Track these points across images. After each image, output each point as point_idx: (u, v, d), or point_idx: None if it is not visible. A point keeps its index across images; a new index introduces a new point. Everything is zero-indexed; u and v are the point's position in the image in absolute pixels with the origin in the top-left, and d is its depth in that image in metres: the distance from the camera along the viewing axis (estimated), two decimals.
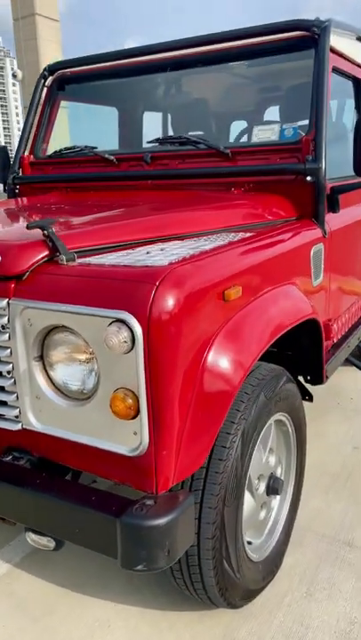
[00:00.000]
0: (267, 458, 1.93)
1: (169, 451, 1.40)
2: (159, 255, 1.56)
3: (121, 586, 2.05)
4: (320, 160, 2.30)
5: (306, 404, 3.60)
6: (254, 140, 2.57)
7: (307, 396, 2.46)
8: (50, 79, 3.23)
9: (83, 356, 1.46)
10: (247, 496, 1.83)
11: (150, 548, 1.33)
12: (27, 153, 3.19)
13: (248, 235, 1.97)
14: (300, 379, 2.42)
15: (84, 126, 3.78)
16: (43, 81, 3.22)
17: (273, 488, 1.93)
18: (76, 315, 1.38)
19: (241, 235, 1.97)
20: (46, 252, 1.52)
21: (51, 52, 9.73)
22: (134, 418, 1.37)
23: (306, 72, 2.48)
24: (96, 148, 3.02)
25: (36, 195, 3.00)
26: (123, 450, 1.40)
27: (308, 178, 2.31)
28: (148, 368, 1.32)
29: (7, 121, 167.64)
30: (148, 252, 1.60)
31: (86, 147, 3.00)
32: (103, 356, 1.37)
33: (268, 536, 2.04)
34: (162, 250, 1.64)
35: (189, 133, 3.06)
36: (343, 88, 3.10)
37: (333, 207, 2.44)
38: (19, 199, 2.89)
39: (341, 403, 3.59)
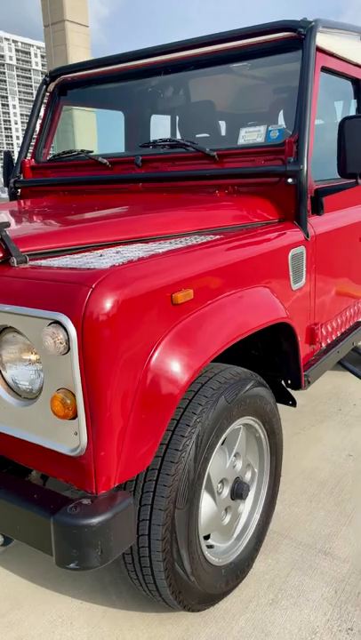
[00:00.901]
0: (232, 462, 1.92)
1: (108, 451, 1.41)
2: (111, 258, 1.58)
3: (89, 584, 2.08)
4: (302, 162, 2.27)
5: (306, 408, 3.61)
6: (241, 142, 2.56)
7: (290, 401, 2.43)
8: (52, 85, 3.31)
9: (30, 357, 1.49)
10: (208, 499, 1.83)
11: (82, 548, 1.35)
12: (29, 157, 3.28)
13: (218, 237, 1.96)
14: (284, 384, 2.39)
15: (113, 131, 3.82)
16: (45, 86, 3.29)
17: (237, 493, 1.91)
18: (19, 315, 1.41)
19: (211, 237, 1.97)
20: (0, 255, 1.56)
21: (80, 58, 9.88)
22: (74, 418, 1.39)
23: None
24: (92, 152, 3.07)
25: (35, 198, 3.07)
26: (64, 449, 1.42)
27: (290, 180, 2.29)
28: (84, 369, 1.34)
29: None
30: (101, 255, 1.62)
31: (82, 150, 3.05)
32: (45, 356, 1.39)
33: (237, 541, 2.03)
34: (117, 252, 1.66)
35: (196, 136, 3.10)
36: (348, 88, 3.06)
37: (318, 209, 2.40)
38: (10, 202, 2.96)
39: (343, 409, 3.52)
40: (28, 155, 3.29)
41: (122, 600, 1.99)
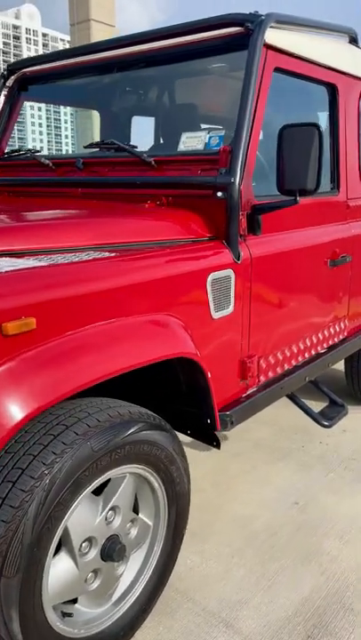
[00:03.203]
0: (105, 518, 1.65)
1: None
2: None
3: None
4: (234, 174, 1.99)
5: (267, 442, 3.29)
6: (181, 148, 2.29)
7: (214, 441, 2.15)
8: (11, 79, 3.11)
9: None
10: (66, 562, 1.56)
11: None
12: None
13: (112, 255, 1.71)
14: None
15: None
16: (2, 81, 3.10)
17: (108, 554, 1.64)
18: None
19: (106, 254, 1.71)
20: None
21: None
22: None
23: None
24: (39, 151, 2.86)
25: None
26: None
27: (219, 193, 2.01)
28: None
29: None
30: None
31: (28, 150, 2.85)
32: None
33: (114, 606, 1.76)
34: None
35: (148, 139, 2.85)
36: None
37: (254, 229, 2.11)
38: None
39: (307, 446, 3.19)
40: None
41: None
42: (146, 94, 2.83)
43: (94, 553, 1.63)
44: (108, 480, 1.67)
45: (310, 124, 1.93)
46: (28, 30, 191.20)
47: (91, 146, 2.60)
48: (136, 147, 2.40)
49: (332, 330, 2.84)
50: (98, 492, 1.65)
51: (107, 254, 1.72)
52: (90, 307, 1.52)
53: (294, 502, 2.64)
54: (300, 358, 2.60)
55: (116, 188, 2.39)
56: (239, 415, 2.14)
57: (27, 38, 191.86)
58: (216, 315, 1.98)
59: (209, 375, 1.87)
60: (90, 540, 1.62)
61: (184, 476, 1.87)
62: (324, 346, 2.81)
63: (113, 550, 1.64)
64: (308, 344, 2.65)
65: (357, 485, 2.76)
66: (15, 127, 3.28)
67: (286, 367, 2.51)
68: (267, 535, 2.39)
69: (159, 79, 2.67)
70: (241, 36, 2.15)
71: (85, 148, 2.64)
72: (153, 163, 2.27)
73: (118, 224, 1.93)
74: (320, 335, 2.74)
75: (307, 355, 2.66)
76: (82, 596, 1.66)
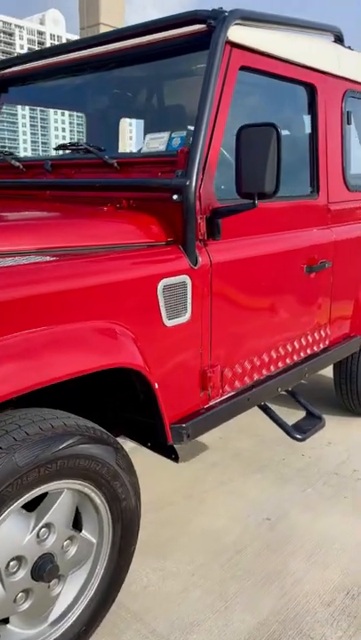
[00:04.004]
0: (37, 535, 1.57)
1: None
2: None
3: None
4: (190, 175, 1.91)
5: (248, 454, 3.18)
6: (144, 149, 2.22)
7: (173, 455, 2.06)
8: None
9: None
10: None
11: None
12: None
13: (52, 259, 1.64)
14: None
15: None
16: None
17: (38, 574, 1.57)
18: None
19: (47, 258, 1.64)
20: None
21: None
22: None
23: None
24: (11, 153, 2.81)
25: None
26: None
27: (175, 196, 1.93)
28: None
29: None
30: None
31: (0, 152, 2.81)
32: None
33: (51, 627, 1.68)
34: None
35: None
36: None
37: (213, 233, 2.03)
38: None
39: (288, 459, 3.08)
40: None
41: None
42: (122, 95, 2.77)
43: (23, 572, 1.55)
44: (46, 495, 1.61)
45: (268, 123, 1.84)
46: (52, 36, 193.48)
47: (59, 147, 2.54)
48: (103, 149, 2.33)
49: (310, 338, 2.74)
50: (32, 507, 1.59)
51: (48, 258, 1.65)
52: (22, 312, 1.45)
53: (266, 518, 2.53)
54: (272, 368, 2.50)
55: (81, 190, 2.33)
56: (197, 427, 2.05)
57: (51, 44, 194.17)
58: (169, 322, 1.89)
59: (156, 386, 1.79)
60: (18, 558, 1.54)
61: (130, 491, 1.78)
62: (301, 355, 2.70)
63: (43, 570, 1.57)
64: (282, 353, 2.55)
65: (334, 502, 2.65)
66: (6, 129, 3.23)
67: (256, 377, 2.41)
68: (233, 552, 2.29)
69: (132, 80, 2.60)
70: (204, 34, 2.07)
71: (55, 149, 2.59)
72: (115, 165, 2.20)
73: (68, 228, 1.86)
74: (296, 344, 2.63)
75: (280, 364, 2.56)
76: (13, 616, 1.59)
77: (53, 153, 2.95)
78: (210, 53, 2.00)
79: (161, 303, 1.85)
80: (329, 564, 2.21)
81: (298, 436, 2.53)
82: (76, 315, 1.60)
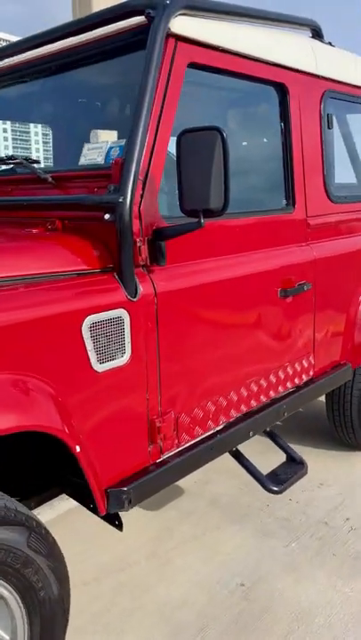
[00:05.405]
0: None
1: None
2: None
3: None
4: (125, 191, 1.60)
5: (226, 499, 2.80)
6: (82, 161, 1.93)
7: (116, 521, 1.74)
8: None
9: None
10: None
11: None
12: None
13: None
14: None
15: None
16: None
17: None
18: None
19: None
20: None
21: None
22: None
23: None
24: None
25: None
26: None
27: (107, 216, 1.63)
28: None
29: None
30: None
31: None
32: None
33: None
34: None
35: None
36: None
37: (157, 258, 1.72)
38: None
39: (272, 505, 2.72)
40: None
41: None
42: (61, 102, 2.47)
43: None
44: None
45: (211, 127, 1.53)
46: None
47: None
48: (38, 161, 2.05)
49: (289, 370, 2.40)
50: None
51: None
52: None
53: (240, 583, 2.18)
54: (242, 407, 2.17)
55: (16, 210, 2.04)
56: (144, 489, 1.72)
57: None
58: (100, 367, 1.58)
59: (77, 449, 1.47)
60: None
61: (50, 578, 1.46)
62: (280, 390, 2.37)
63: None
64: (255, 389, 2.22)
65: (320, 562, 2.29)
66: None
67: (223, 420, 2.08)
68: (195, 630, 1.94)
69: (67, 85, 2.31)
70: (144, 26, 1.78)
71: None
72: (50, 179, 1.91)
73: None
74: (272, 378, 2.30)
75: (253, 402, 2.22)
76: None
77: None
78: (148, 47, 1.70)
79: (88, 344, 1.53)
80: None
81: (274, 488, 2.19)
82: None
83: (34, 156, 2.68)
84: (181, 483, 2.95)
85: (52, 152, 3.09)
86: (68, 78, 2.19)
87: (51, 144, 2.76)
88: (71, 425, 1.48)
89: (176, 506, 2.76)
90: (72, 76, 2.21)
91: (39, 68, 2.22)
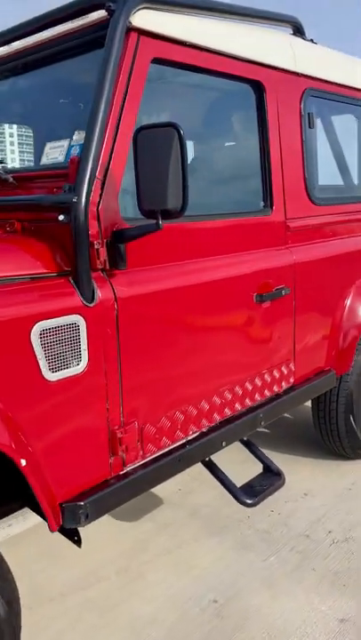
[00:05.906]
0: None
1: None
2: None
3: None
4: (80, 191, 1.53)
5: (207, 510, 2.71)
6: (44, 160, 1.86)
7: (75, 536, 1.66)
8: None
9: None
10: None
11: None
12: None
13: None
14: None
15: None
16: None
17: None
18: None
19: None
20: None
21: None
22: None
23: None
24: None
25: None
26: None
27: (61, 217, 1.56)
28: None
29: None
30: None
31: None
32: None
33: None
34: None
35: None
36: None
37: (116, 262, 1.64)
38: None
39: (253, 517, 2.64)
40: None
41: None
42: (32, 102, 2.40)
43: None
44: None
45: (167, 123, 1.46)
46: None
47: None
48: (1, 161, 1.98)
49: (267, 377, 2.32)
50: None
51: None
52: None
53: (213, 600, 2.09)
54: (215, 416, 2.09)
55: None
56: (103, 503, 1.64)
57: None
58: (53, 376, 1.50)
59: (23, 463, 1.39)
60: None
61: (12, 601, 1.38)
62: (257, 398, 2.28)
63: None
64: (229, 397, 2.13)
65: (298, 577, 2.19)
66: None
67: (193, 430, 2.00)
68: None
69: (37, 84, 2.24)
70: (106, 21, 1.71)
71: None
72: (11, 180, 1.84)
73: None
74: (248, 385, 2.22)
75: (227, 411, 2.14)
76: None
77: None
78: (107, 41, 1.63)
79: (38, 352, 1.46)
80: None
81: (247, 501, 2.11)
82: None
83: (9, 157, 2.60)
84: (162, 493, 2.88)
85: (32, 153, 3.03)
86: (37, 76, 2.12)
87: (25, 145, 2.69)
88: (18, 438, 1.40)
89: (154, 517, 2.67)
90: (41, 74, 2.14)
91: (6, 67, 2.16)
